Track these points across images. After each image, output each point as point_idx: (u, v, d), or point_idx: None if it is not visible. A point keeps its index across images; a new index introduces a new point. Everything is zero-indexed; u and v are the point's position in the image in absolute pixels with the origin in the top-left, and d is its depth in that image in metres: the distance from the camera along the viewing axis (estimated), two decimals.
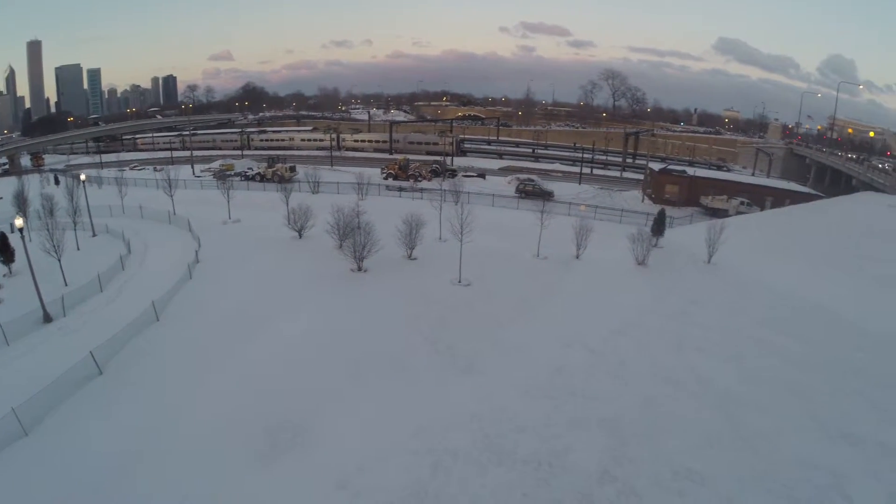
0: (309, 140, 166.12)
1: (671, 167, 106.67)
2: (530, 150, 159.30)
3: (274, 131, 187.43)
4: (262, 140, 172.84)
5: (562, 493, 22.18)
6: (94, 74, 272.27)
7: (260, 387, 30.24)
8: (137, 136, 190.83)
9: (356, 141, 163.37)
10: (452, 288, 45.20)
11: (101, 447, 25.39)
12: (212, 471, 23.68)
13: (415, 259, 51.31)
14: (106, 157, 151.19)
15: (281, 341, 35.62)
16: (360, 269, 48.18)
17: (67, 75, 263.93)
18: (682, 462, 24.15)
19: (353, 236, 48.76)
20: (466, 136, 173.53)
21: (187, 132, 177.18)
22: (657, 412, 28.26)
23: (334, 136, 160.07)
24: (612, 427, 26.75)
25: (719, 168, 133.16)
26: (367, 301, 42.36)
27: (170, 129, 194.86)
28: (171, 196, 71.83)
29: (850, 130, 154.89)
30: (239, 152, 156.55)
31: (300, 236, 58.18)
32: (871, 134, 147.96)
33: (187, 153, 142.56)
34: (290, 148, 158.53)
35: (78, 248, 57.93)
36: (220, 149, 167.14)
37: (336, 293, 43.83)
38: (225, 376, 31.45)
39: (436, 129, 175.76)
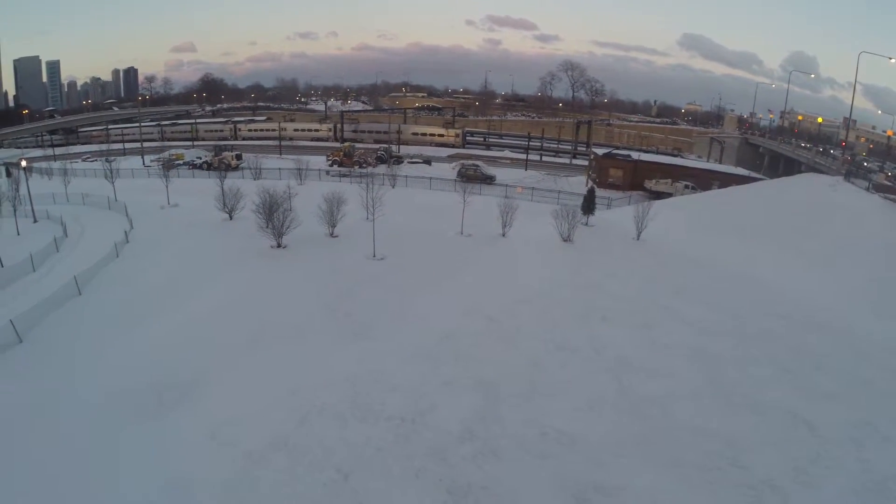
0: (304, 130, 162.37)
1: (615, 152, 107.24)
2: (482, 139, 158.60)
3: (262, 121, 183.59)
4: (249, 130, 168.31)
5: (416, 449, 21.96)
6: (54, 67, 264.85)
7: (161, 352, 30.44)
8: (109, 127, 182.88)
9: (355, 132, 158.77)
10: (366, 262, 45.05)
11: (10, 409, 25.63)
12: (104, 428, 23.94)
13: (336, 237, 51.21)
14: (63, 150, 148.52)
15: (190, 312, 35.66)
16: (279, 245, 48.04)
17: (26, 68, 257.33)
18: (554, 424, 23.83)
19: (276, 215, 48.32)
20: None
21: (167, 123, 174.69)
22: (541, 376, 28.04)
23: (330, 126, 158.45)
24: (487, 389, 26.53)
25: (673, 156, 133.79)
26: (279, 274, 42.50)
27: (127, 120, 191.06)
28: (113, 183, 71.84)
29: (799, 118, 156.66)
30: (221, 143, 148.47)
31: (231, 218, 58.05)
32: (819, 120, 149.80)
33: (152, 144, 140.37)
34: (283, 138, 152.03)
35: (18, 234, 57.93)
36: (204, 139, 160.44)
37: (252, 268, 43.83)
38: (133, 343, 31.63)
39: (442, 120, 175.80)
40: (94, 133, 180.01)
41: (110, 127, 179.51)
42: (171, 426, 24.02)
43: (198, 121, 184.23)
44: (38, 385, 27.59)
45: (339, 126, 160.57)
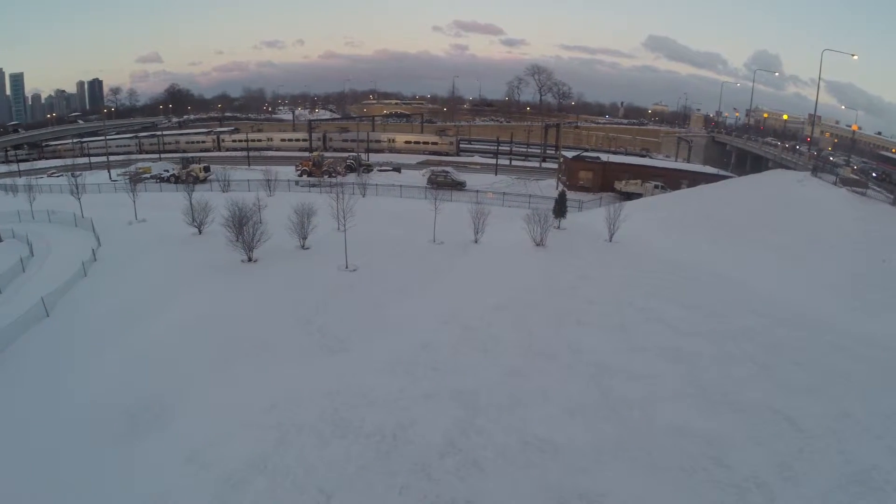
0: (291, 140, 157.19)
1: (584, 154, 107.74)
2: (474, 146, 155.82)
3: (230, 131, 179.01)
4: (234, 141, 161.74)
5: (398, 465, 21.63)
6: (17, 79, 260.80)
7: (133, 373, 30.07)
8: (85, 139, 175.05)
9: (345, 140, 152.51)
10: (338, 273, 44.79)
11: None
12: (77, 453, 23.62)
13: (307, 248, 50.88)
14: (28, 165, 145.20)
15: (161, 330, 35.20)
16: (250, 259, 47.57)
17: None
18: (537, 433, 23.63)
19: (245, 228, 47.84)
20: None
21: (145, 135, 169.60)
22: (520, 384, 27.86)
23: (319, 135, 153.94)
24: (467, 399, 26.29)
25: (641, 157, 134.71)
26: (250, 288, 42.06)
27: (92, 133, 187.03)
28: (79, 199, 70.09)
29: (765, 115, 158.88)
30: (209, 154, 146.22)
31: (199, 232, 57.28)
32: (785, 117, 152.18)
33: (120, 157, 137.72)
34: (269, 149, 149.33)
35: None
36: (186, 151, 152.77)
37: (223, 283, 43.34)
38: (104, 365, 31.26)
39: (436, 129, 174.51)
40: (64, 147, 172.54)
41: (84, 140, 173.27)
42: (146, 449, 23.58)
43: (181, 132, 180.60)
44: (6, 412, 27.07)
45: (327, 135, 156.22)
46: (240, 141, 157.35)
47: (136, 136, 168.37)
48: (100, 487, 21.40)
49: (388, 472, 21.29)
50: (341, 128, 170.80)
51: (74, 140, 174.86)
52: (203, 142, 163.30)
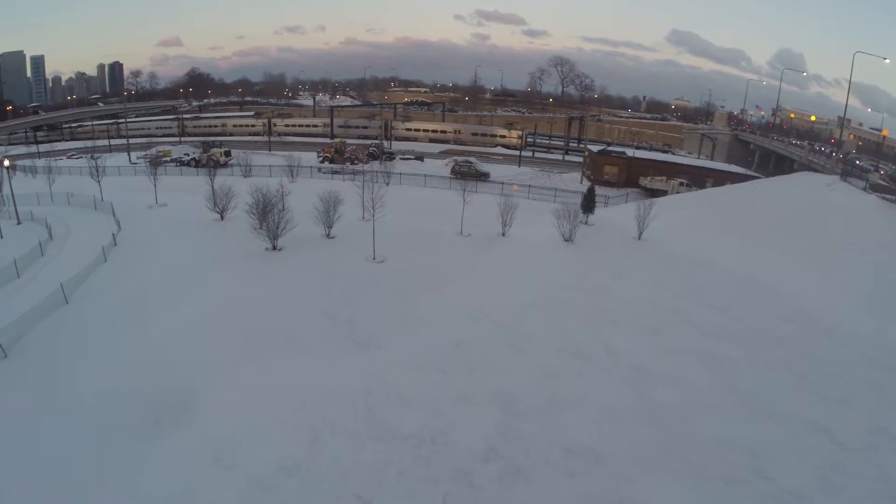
0: (352, 128, 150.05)
1: (610, 148, 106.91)
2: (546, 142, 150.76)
3: (251, 115, 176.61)
4: (285, 125, 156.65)
5: (439, 472, 20.94)
6: (38, 62, 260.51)
7: (156, 365, 29.12)
8: (119, 121, 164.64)
9: (408, 129, 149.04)
10: (365, 264, 44.05)
11: None
12: (98, 448, 22.78)
13: (333, 238, 50.08)
14: (50, 146, 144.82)
15: (184, 320, 34.32)
16: (274, 247, 46.87)
17: (10, 63, 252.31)
18: (578, 439, 22.96)
19: (270, 216, 47.22)
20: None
21: (188, 117, 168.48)
22: (558, 387, 27.16)
23: (380, 123, 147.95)
24: (505, 402, 25.58)
25: (665, 153, 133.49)
26: (275, 278, 41.24)
27: (112, 116, 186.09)
28: (99, 182, 70.05)
29: (791, 115, 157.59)
30: (260, 138, 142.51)
31: (222, 218, 56.49)
32: (812, 118, 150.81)
33: (141, 140, 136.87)
34: (325, 135, 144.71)
35: (1, 237, 56.43)
36: (233, 134, 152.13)
37: (246, 271, 42.64)
38: (125, 355, 30.31)
39: (482, 119, 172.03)
40: (98, 128, 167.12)
41: (119, 122, 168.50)
42: (171, 447, 22.85)
43: (227, 115, 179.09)
44: (24, 404, 26.35)
45: (389, 123, 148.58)
46: (293, 126, 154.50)
47: (179, 118, 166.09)
48: (119, 487, 20.73)
49: (429, 478, 20.65)
50: (404, 116, 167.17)
51: (107, 122, 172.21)
52: (252, 125, 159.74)
